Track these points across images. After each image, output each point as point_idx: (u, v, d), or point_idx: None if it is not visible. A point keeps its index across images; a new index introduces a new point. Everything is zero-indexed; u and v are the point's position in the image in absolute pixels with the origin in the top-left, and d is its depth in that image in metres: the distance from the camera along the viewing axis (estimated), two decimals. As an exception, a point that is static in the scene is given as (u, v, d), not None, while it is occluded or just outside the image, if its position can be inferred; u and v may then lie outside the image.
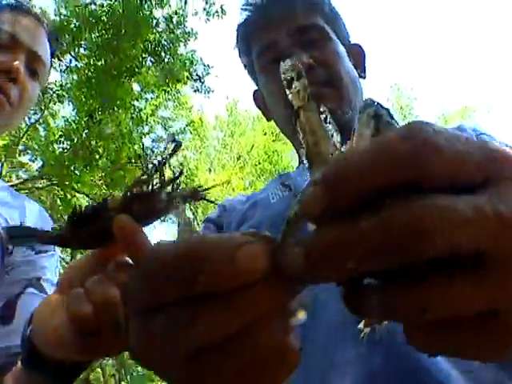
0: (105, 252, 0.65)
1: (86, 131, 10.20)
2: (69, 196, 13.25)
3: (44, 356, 0.68)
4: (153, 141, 14.42)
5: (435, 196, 0.29)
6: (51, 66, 1.50)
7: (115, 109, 9.92)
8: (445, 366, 0.74)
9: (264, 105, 1.41)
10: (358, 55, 1.38)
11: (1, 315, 1.16)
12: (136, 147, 11.30)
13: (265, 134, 16.49)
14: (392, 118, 0.41)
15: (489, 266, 0.30)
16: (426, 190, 0.30)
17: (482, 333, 0.32)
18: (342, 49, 1.30)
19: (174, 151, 0.60)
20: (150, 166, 0.58)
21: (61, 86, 10.33)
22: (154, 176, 0.58)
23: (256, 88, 1.45)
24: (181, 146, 0.60)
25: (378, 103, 0.42)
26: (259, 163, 17.22)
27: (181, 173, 0.60)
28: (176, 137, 0.62)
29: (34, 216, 1.36)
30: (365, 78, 1.37)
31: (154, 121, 13.93)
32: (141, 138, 12.29)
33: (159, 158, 0.58)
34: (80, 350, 0.63)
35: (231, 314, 0.34)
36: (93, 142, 10.28)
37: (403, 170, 0.30)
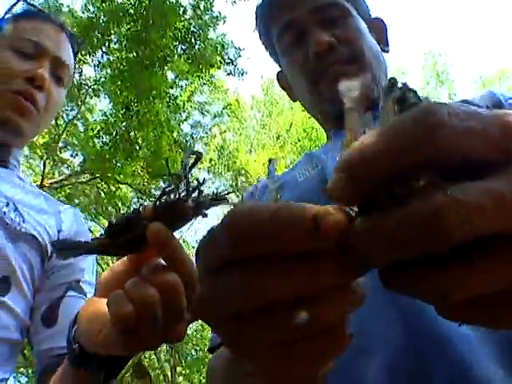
0: (139, 257, 0.70)
1: (124, 123, 10.23)
2: (112, 188, 13.42)
3: (89, 353, 0.74)
4: (191, 127, 14.48)
5: (448, 186, 0.30)
6: (77, 66, 1.55)
7: (151, 99, 9.92)
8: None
9: (288, 85, 1.41)
10: (379, 29, 1.38)
11: (44, 318, 1.21)
12: (175, 135, 11.33)
13: (303, 111, 16.39)
14: (419, 99, 0.38)
15: (507, 248, 0.31)
16: (442, 172, 0.31)
17: (502, 306, 0.33)
18: (363, 25, 1.30)
19: (195, 163, 0.65)
20: (176, 176, 0.63)
21: (95, 80, 10.37)
22: (180, 185, 0.63)
23: (279, 69, 1.45)
24: (201, 157, 0.65)
25: (403, 84, 0.39)
26: (299, 141, 17.14)
27: (204, 181, 0.64)
28: (195, 149, 0.68)
29: (70, 220, 1.40)
30: (388, 51, 1.38)
31: (190, 107, 13.95)
32: (179, 125, 12.32)
33: (182, 170, 0.63)
34: (123, 347, 0.68)
35: (300, 279, 0.35)
36: (132, 134, 10.30)
37: (416, 154, 0.31)
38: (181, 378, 16.43)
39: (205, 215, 0.65)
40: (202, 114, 15.17)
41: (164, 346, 15.86)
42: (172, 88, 10.85)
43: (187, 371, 16.21)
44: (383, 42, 1.36)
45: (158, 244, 0.63)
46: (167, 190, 0.63)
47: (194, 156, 0.65)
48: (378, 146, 0.32)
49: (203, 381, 16.22)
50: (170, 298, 0.64)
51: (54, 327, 1.19)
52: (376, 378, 0.79)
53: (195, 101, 14.59)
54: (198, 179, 0.63)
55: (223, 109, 15.49)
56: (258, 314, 0.36)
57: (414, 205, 0.30)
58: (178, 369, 16.42)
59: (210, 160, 16.92)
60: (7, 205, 1.25)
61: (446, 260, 0.31)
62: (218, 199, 0.65)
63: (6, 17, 1.53)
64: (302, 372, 0.40)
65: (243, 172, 16.82)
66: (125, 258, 0.72)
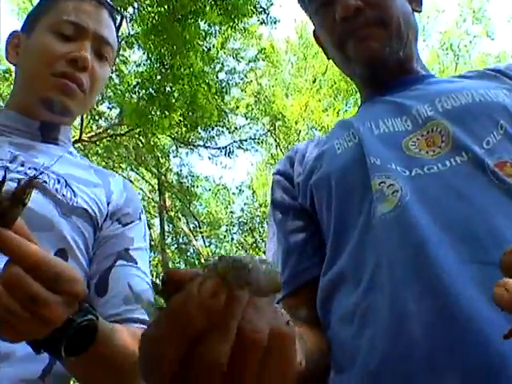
0: None
1: (159, 77, 10.18)
2: (151, 139, 13.48)
3: None
4: (226, 73, 14.34)
5: None
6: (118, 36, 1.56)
7: (185, 52, 9.82)
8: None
9: (323, 44, 1.43)
10: None
11: (97, 288, 1.25)
12: (211, 84, 11.25)
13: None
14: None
15: None
16: None
17: None
18: None
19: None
20: None
21: (128, 35, 10.29)
22: None
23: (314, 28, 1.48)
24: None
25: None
26: (335, 83, 16.90)
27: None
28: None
29: (119, 189, 1.43)
30: (420, 11, 1.37)
31: (224, 53, 13.79)
32: (215, 75, 12.22)
33: None
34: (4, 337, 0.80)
35: None
36: (167, 88, 10.26)
37: None
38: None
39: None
40: (237, 60, 15.02)
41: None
42: (205, 39, 10.71)
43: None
44: (417, 2, 1.36)
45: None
46: None
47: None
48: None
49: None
50: (14, 288, 0.73)
51: (105, 296, 1.23)
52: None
53: (229, 48, 14.43)
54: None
55: (257, 54, 15.27)
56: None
57: None
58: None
59: (247, 105, 16.83)
60: (58, 181, 1.27)
61: None
62: (17, 196, 0.72)
63: None
64: None
65: (280, 117, 16.70)
66: None
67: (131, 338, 1.06)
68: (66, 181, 1.29)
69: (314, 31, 1.47)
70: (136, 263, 1.31)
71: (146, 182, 17.61)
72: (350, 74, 1.39)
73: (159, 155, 16.11)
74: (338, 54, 1.31)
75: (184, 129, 12.54)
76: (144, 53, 10.60)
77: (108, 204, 1.36)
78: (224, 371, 0.45)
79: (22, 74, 1.45)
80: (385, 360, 0.87)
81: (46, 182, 1.24)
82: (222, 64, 13.40)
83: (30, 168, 1.26)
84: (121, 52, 11.64)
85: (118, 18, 1.47)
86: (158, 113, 10.18)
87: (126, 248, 1.32)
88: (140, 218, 1.43)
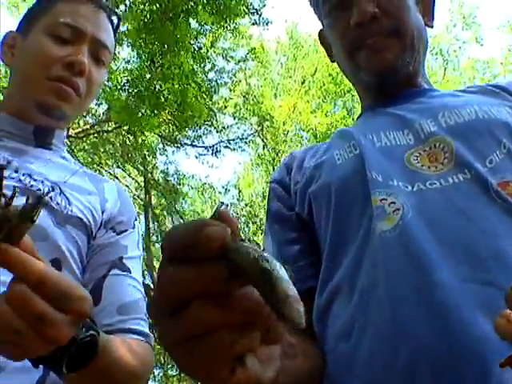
0: None
1: (149, 76, 10.17)
2: (138, 137, 13.43)
3: None
4: (215, 72, 14.30)
5: None
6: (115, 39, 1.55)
7: (176, 51, 9.81)
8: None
9: (328, 45, 1.42)
10: (427, 1, 1.37)
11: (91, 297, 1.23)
12: (200, 81, 11.24)
13: (328, 55, 16.09)
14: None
15: None
16: None
17: None
18: None
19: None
20: None
21: (119, 33, 10.26)
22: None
23: (321, 28, 1.45)
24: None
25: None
26: (324, 85, 16.91)
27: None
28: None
29: (113, 197, 1.42)
30: (432, 27, 1.37)
31: (214, 52, 13.76)
32: (205, 75, 12.21)
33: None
34: (8, 356, 0.79)
35: (204, 277, 0.47)
36: (157, 86, 10.25)
37: None
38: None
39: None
40: (226, 59, 14.98)
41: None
42: (196, 38, 10.69)
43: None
44: (428, 16, 1.36)
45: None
46: None
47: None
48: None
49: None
50: (20, 307, 0.72)
51: (98, 306, 1.23)
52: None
53: (219, 47, 14.39)
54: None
55: (247, 53, 15.25)
56: (180, 311, 0.48)
57: None
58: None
59: (235, 105, 16.81)
60: (53, 189, 1.26)
61: None
62: (39, 203, 0.71)
63: None
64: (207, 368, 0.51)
65: (268, 117, 16.69)
66: None
67: (126, 350, 1.07)
68: (60, 188, 1.29)
69: (320, 31, 1.46)
70: (130, 272, 1.32)
71: (133, 179, 17.54)
72: (355, 81, 1.37)
73: (146, 153, 16.05)
74: (347, 59, 1.30)
75: (173, 127, 12.52)
76: (133, 50, 10.59)
77: (102, 212, 1.36)
78: None
79: (18, 76, 1.43)
80: (385, 372, 0.87)
81: (39, 190, 1.23)
82: (213, 64, 13.38)
83: (23, 174, 1.25)
84: (110, 49, 11.61)
85: (116, 19, 1.45)
86: (148, 111, 10.16)
87: (120, 257, 1.32)
88: (134, 226, 1.43)
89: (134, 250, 1.38)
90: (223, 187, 18.72)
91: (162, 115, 10.62)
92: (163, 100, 10.40)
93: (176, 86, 10.14)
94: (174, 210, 17.76)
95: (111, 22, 1.49)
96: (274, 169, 16.11)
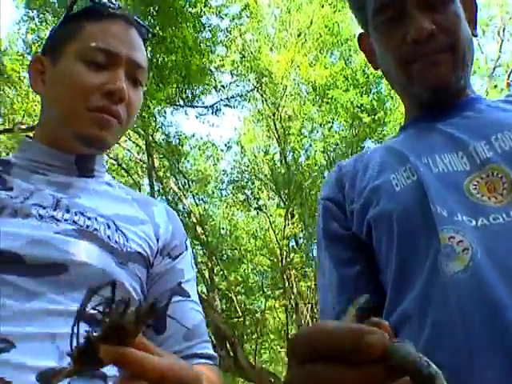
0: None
1: (151, 49, 10.02)
2: (144, 114, 13.28)
3: None
4: (210, 31, 14.02)
5: None
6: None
7: (177, 22, 9.65)
8: None
9: (370, 51, 1.42)
10: (471, 10, 1.36)
11: (155, 327, 1.25)
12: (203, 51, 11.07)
13: (322, 7, 15.81)
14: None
15: None
16: None
17: None
18: (461, 10, 1.28)
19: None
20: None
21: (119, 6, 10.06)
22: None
23: (362, 31, 1.46)
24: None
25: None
26: (320, 36, 16.62)
27: (141, 304, 0.72)
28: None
29: (164, 221, 1.41)
30: (476, 35, 1.36)
31: (207, 11, 13.50)
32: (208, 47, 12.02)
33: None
34: None
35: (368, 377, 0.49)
36: (160, 60, 10.11)
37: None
38: (217, 278, 16.85)
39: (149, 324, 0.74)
40: (221, 17, 14.68)
41: (201, 250, 16.29)
42: (195, 7, 10.49)
43: (224, 272, 16.65)
44: (472, 25, 1.35)
45: (113, 362, 0.69)
46: (106, 313, 0.71)
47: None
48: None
49: (240, 279, 16.74)
50: None
51: (164, 334, 1.25)
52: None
53: (212, 5, 14.09)
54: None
55: (241, 10, 14.95)
56: None
57: None
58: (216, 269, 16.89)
59: (233, 62, 16.56)
60: (108, 226, 1.24)
61: None
62: (153, 311, 0.73)
63: (69, 15, 1.43)
64: None
65: (266, 73, 16.48)
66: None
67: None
68: (114, 223, 1.27)
69: (360, 35, 1.46)
70: (189, 296, 1.33)
71: (133, 142, 17.40)
72: (404, 92, 1.38)
73: (145, 116, 15.89)
74: (399, 71, 1.29)
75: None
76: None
77: (157, 240, 1.35)
78: None
79: (52, 105, 1.37)
80: None
81: (96, 230, 1.21)
82: (210, 26, 13.14)
83: (76, 214, 1.22)
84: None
85: (145, 31, 1.38)
86: (154, 86, 10.05)
87: (178, 282, 1.33)
88: (186, 248, 1.43)
89: (189, 273, 1.38)
90: (225, 145, 18.58)
91: (167, 89, 10.49)
92: (167, 72, 10.28)
93: (180, 59, 10.00)
94: (177, 171, 17.71)
95: (142, 37, 1.42)
96: (274, 124, 16.06)
